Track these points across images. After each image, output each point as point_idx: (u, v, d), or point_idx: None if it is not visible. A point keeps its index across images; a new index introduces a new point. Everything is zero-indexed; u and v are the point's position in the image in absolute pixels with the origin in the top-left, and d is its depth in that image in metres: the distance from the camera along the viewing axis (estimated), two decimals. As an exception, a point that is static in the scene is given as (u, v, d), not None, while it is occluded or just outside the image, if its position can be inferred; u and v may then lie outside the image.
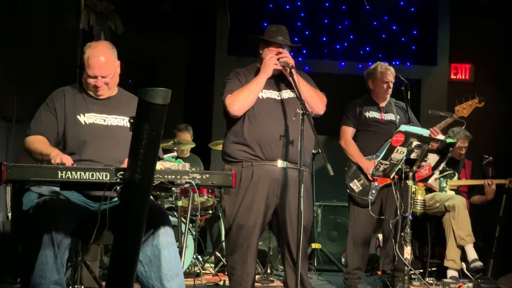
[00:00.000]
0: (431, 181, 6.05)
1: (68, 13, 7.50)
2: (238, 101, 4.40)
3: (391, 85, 5.89)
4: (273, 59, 4.44)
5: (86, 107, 3.96)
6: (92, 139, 3.88)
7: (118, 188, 3.32)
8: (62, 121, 3.90)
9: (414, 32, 9.30)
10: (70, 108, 3.93)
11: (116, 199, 3.55)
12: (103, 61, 3.91)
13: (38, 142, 3.79)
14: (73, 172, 3.30)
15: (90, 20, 7.71)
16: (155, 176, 3.37)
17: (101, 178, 3.34)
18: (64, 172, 3.28)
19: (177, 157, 4.53)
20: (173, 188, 3.65)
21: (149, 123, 3.08)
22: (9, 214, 5.69)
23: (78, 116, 3.92)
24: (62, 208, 3.56)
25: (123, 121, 4.00)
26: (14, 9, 5.96)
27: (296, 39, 8.35)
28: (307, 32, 9.13)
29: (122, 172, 3.33)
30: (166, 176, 3.51)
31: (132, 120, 3.15)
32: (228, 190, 4.41)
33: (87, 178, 3.32)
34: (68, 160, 3.54)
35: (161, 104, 3.08)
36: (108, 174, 3.35)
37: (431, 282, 6.10)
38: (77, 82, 4.10)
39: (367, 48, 9.24)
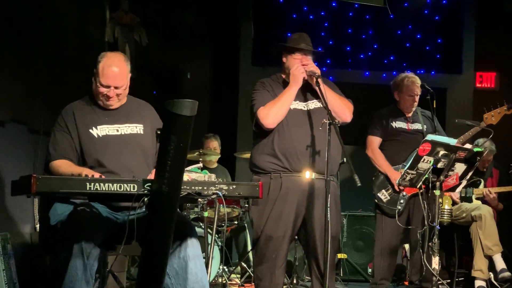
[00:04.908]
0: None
1: (94, 25, 7.56)
2: (272, 114, 4.37)
3: (417, 98, 5.85)
4: (300, 68, 4.42)
5: (97, 120, 3.96)
6: (108, 151, 3.88)
7: (145, 199, 3.34)
8: (76, 138, 3.89)
9: (439, 40, 9.27)
10: (81, 123, 3.92)
11: (142, 210, 3.57)
12: (118, 71, 3.92)
13: (65, 165, 3.77)
14: (101, 184, 3.33)
15: (115, 33, 7.78)
16: (182, 188, 3.38)
17: (128, 189, 3.36)
18: (92, 183, 3.31)
19: (203, 168, 4.53)
20: (199, 199, 3.66)
21: (176, 134, 3.10)
22: (37, 226, 5.72)
23: (90, 130, 3.92)
24: (91, 219, 3.57)
25: (136, 128, 4.01)
26: (42, 22, 6.02)
27: (320, 48, 8.33)
28: (331, 42, 9.14)
29: (150, 184, 3.34)
30: (193, 187, 3.52)
31: (159, 132, 3.16)
32: (257, 201, 4.38)
33: (115, 189, 3.35)
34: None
35: (188, 116, 3.09)
36: (135, 185, 3.37)
37: (459, 292, 6.06)
38: (87, 95, 4.08)
39: (392, 57, 9.22)
